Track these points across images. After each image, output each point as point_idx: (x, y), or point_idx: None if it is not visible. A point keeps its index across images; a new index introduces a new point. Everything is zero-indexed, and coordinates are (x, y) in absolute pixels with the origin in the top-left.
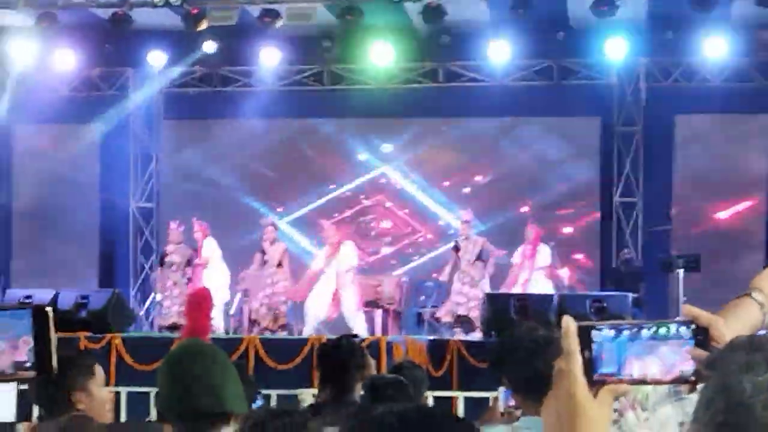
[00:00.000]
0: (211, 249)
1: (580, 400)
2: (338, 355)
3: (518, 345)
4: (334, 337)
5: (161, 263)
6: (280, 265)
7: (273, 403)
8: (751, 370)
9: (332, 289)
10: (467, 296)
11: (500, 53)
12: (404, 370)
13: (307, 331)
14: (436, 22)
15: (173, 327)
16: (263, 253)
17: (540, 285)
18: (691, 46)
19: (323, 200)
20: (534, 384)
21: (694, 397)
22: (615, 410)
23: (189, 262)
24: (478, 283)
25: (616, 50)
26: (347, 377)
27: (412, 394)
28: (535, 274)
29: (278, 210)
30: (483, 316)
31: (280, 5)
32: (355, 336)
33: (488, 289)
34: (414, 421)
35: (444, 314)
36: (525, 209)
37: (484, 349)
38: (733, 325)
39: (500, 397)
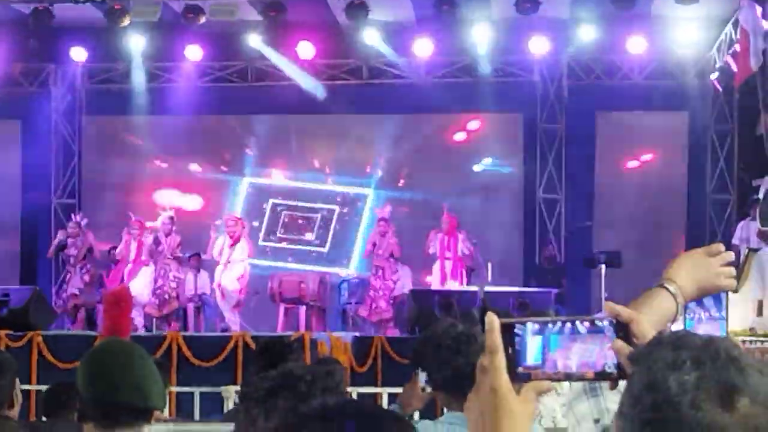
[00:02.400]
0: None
1: (502, 396)
2: (277, 352)
3: (440, 342)
4: (259, 335)
5: (56, 256)
6: (173, 257)
7: (197, 400)
8: (678, 368)
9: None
10: (382, 292)
11: (424, 50)
12: (324, 364)
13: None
14: (360, 18)
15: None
16: (157, 243)
17: (463, 276)
18: (613, 43)
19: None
20: (456, 381)
21: (610, 394)
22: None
23: (86, 255)
24: (393, 280)
25: (538, 47)
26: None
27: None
28: (449, 264)
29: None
30: (406, 312)
31: (204, 1)
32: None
33: (407, 286)
34: (353, 416)
35: (366, 311)
36: (446, 205)
37: (408, 345)
38: (647, 316)
39: (420, 375)
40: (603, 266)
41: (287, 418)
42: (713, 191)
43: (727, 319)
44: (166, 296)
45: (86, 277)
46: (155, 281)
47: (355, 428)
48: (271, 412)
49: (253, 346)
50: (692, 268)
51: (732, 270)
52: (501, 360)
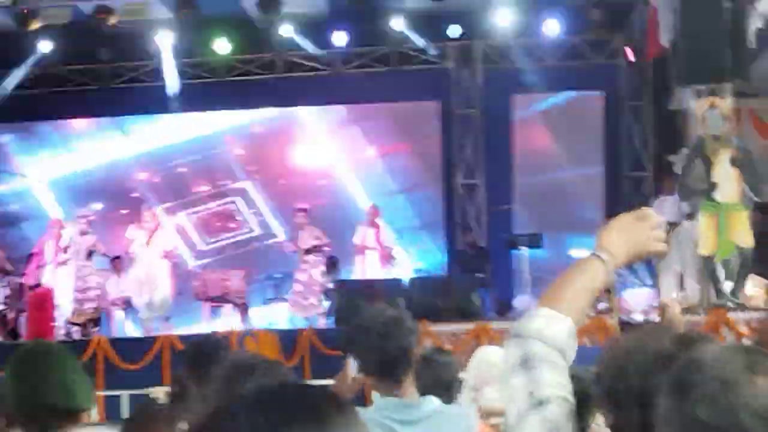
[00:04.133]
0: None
1: None
2: (208, 350)
3: (369, 328)
4: (186, 335)
5: None
6: (89, 257)
7: (125, 403)
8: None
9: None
10: (305, 285)
11: (338, 42)
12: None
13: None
14: (272, 12)
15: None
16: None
17: (388, 265)
18: (526, 26)
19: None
20: (387, 365)
21: (546, 367)
22: (474, 388)
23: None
24: (316, 272)
25: (453, 33)
26: (214, 371)
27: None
28: (373, 254)
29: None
30: (333, 303)
31: (113, 1)
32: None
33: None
34: (291, 397)
35: (293, 305)
36: (367, 195)
37: (335, 336)
38: (579, 285)
39: (351, 363)
40: (525, 248)
41: (223, 400)
42: (629, 168)
43: (658, 288)
44: (87, 301)
45: (7, 290)
46: (75, 285)
47: (294, 410)
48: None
49: (179, 346)
50: (623, 234)
51: (662, 234)
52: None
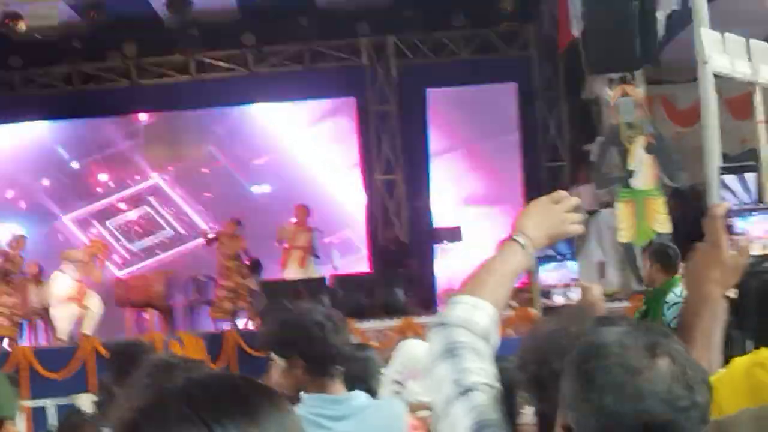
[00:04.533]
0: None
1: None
2: (132, 353)
3: (302, 327)
4: (109, 341)
5: None
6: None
7: (51, 413)
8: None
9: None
10: (227, 288)
11: (250, 41)
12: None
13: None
14: (182, 13)
15: None
16: None
17: (311, 264)
18: (437, 20)
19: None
20: (321, 363)
21: (469, 354)
22: (398, 382)
23: None
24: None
25: (364, 30)
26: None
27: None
28: (297, 252)
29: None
30: (256, 303)
31: (21, 5)
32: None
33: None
34: (220, 389)
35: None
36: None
37: (261, 337)
38: (499, 270)
39: (277, 362)
40: (445, 242)
41: (150, 395)
42: (546, 159)
43: (577, 261)
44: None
45: None
46: None
47: (224, 401)
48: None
49: (103, 352)
50: (539, 217)
51: (577, 215)
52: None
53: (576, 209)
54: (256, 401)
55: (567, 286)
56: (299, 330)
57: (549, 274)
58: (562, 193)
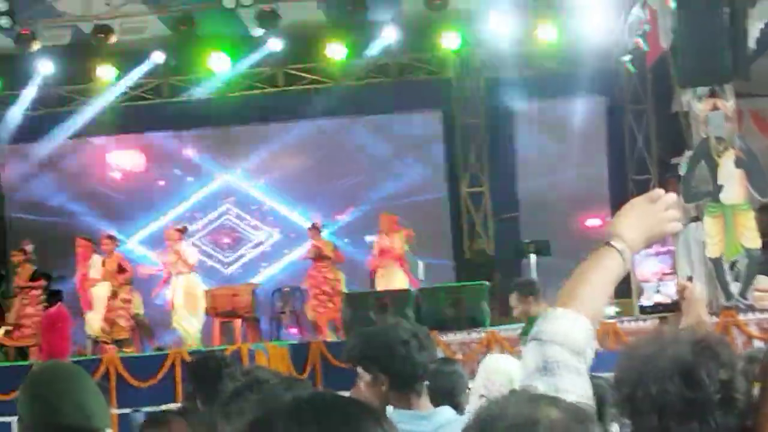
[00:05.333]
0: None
1: None
2: (213, 367)
3: (388, 343)
4: (194, 349)
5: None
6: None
7: (138, 421)
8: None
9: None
10: (316, 298)
11: (337, 53)
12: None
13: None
14: (271, 26)
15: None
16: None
17: (398, 277)
18: (525, 33)
19: (173, 215)
20: (407, 379)
21: (566, 374)
22: (484, 397)
23: (38, 280)
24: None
25: (451, 43)
26: (220, 387)
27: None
28: (393, 264)
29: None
30: (343, 316)
31: (113, 20)
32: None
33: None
34: (325, 407)
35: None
36: (376, 205)
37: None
38: (595, 280)
39: (364, 376)
40: (532, 256)
41: (257, 412)
42: (633, 172)
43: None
44: (116, 323)
45: (39, 307)
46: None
47: (330, 419)
48: (235, 415)
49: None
50: (636, 218)
51: (675, 213)
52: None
53: (673, 206)
54: (361, 421)
55: (662, 279)
56: (383, 347)
57: (645, 268)
58: (658, 191)
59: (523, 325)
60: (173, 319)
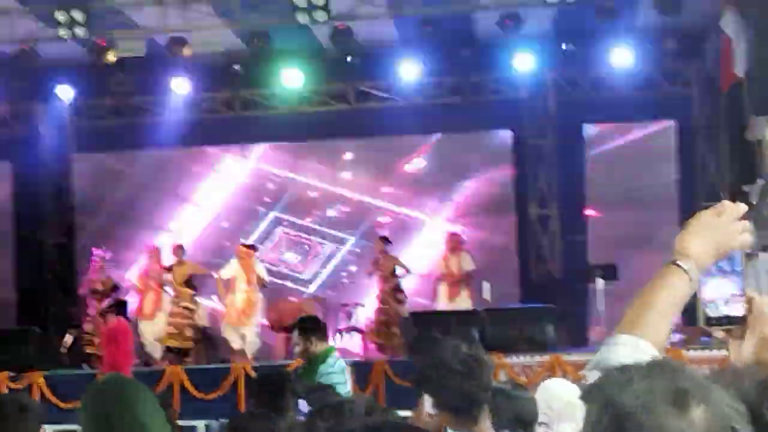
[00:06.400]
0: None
1: None
2: (277, 382)
3: (446, 365)
4: (258, 364)
5: (85, 292)
6: (187, 284)
7: None
8: (629, 384)
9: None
10: (381, 315)
11: (410, 72)
12: (320, 391)
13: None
14: (345, 43)
15: (92, 356)
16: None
17: (462, 295)
18: (598, 56)
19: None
20: (464, 403)
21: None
22: (544, 423)
23: (114, 290)
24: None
25: (523, 64)
26: (283, 402)
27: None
28: (450, 281)
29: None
30: (406, 335)
31: (188, 33)
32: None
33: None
34: None
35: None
36: (443, 224)
37: (409, 368)
38: (661, 303)
39: (426, 399)
40: (599, 279)
41: None
42: (704, 198)
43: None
44: (183, 330)
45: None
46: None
47: None
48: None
49: (253, 376)
50: (703, 233)
51: (745, 224)
52: None
53: (743, 218)
54: None
55: (728, 301)
56: (443, 370)
57: (710, 288)
58: (726, 203)
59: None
60: (226, 331)
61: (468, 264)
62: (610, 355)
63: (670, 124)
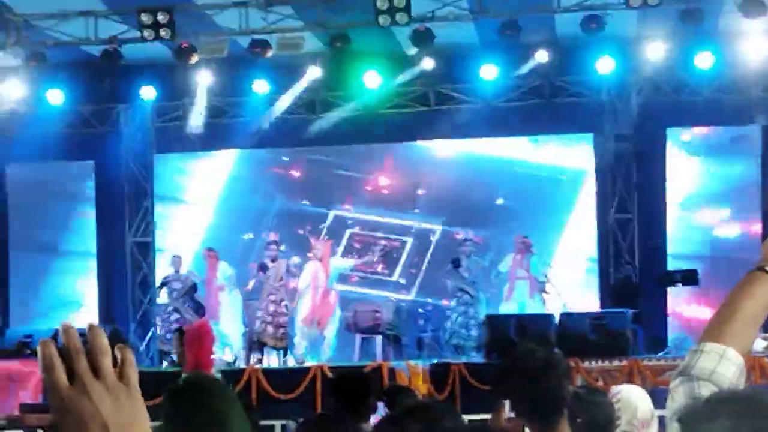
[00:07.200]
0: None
1: None
2: (359, 384)
3: (520, 369)
4: (336, 366)
5: (161, 288)
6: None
7: None
8: (714, 419)
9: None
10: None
11: (490, 74)
12: (398, 394)
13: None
14: (425, 45)
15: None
16: (262, 270)
17: (537, 299)
18: (681, 59)
19: (324, 225)
20: (539, 407)
21: None
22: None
23: (192, 289)
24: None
25: (605, 66)
26: (365, 404)
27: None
28: (523, 284)
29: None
30: (483, 338)
31: (270, 35)
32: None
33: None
34: None
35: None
36: (522, 226)
37: (486, 371)
38: (746, 310)
39: (506, 404)
40: (679, 284)
41: None
42: None
43: None
44: (282, 328)
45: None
46: (268, 309)
47: None
48: None
49: (330, 376)
50: None
51: None
52: None
53: None
54: None
55: None
56: (520, 374)
57: None
58: None
59: None
60: (301, 332)
61: (537, 264)
62: (696, 364)
63: (754, 127)
